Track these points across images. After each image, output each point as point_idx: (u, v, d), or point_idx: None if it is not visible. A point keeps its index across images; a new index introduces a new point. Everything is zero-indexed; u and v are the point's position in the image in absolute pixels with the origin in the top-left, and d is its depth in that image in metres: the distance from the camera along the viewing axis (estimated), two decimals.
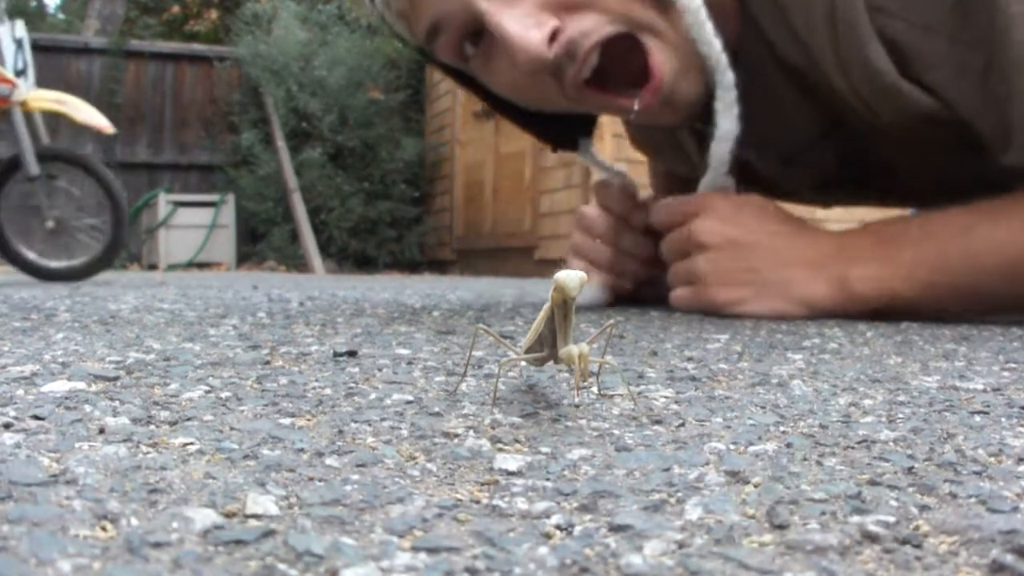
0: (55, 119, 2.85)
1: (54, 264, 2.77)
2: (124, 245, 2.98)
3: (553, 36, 0.94)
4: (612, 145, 3.44)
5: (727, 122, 1.03)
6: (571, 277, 0.39)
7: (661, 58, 0.98)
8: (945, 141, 0.99)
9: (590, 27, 0.96)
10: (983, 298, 0.98)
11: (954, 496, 0.30)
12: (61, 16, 10.22)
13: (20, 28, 2.63)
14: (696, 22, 0.98)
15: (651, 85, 0.98)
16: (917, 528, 0.26)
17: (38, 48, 4.44)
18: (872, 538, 0.25)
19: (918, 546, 0.25)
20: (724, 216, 1.06)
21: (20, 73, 2.58)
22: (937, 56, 0.91)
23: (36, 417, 0.40)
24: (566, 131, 1.23)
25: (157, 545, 0.23)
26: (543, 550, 0.24)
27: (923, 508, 0.28)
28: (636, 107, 1.00)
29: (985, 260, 0.95)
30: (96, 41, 6.58)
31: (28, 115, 2.63)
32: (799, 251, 1.04)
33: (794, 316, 1.04)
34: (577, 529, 0.26)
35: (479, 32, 0.98)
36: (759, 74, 1.06)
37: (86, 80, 6.24)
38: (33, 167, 2.59)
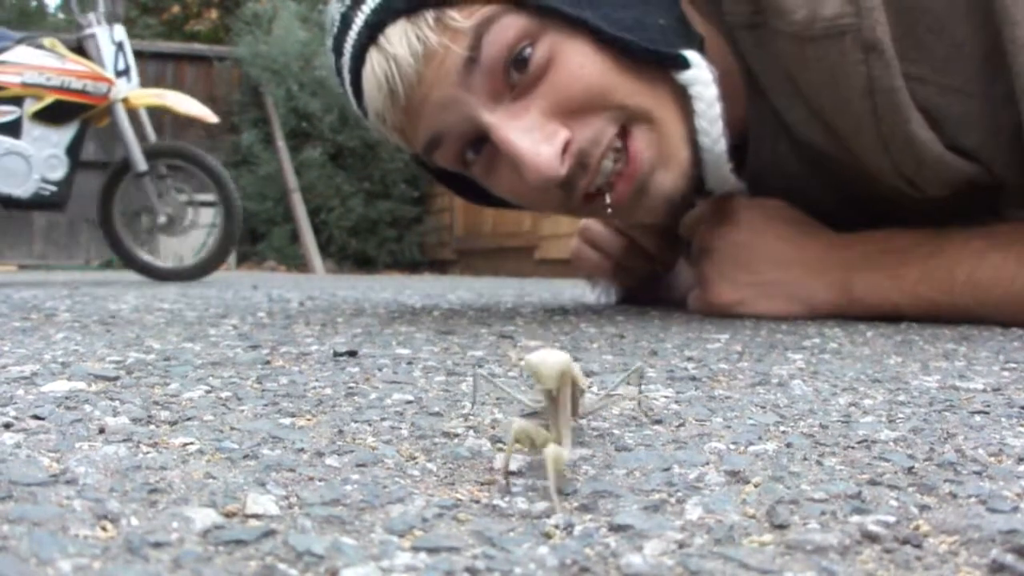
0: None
1: (167, 264, 2.79)
2: (237, 241, 3.00)
3: (564, 148, 0.89)
4: None
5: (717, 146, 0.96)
6: (547, 366, 0.31)
7: (641, 145, 0.92)
8: (975, 202, 0.97)
9: (598, 131, 0.91)
10: (985, 323, 0.97)
11: (954, 496, 0.30)
12: (61, 16, 10.23)
13: (120, 32, 2.65)
14: (708, 117, 0.93)
15: (627, 171, 0.92)
16: (917, 528, 0.26)
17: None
18: (872, 538, 0.25)
19: (918, 546, 0.25)
20: (731, 220, 1.06)
21: (122, 74, 2.59)
22: (971, 118, 0.88)
23: (36, 417, 0.40)
24: None
25: (157, 545, 0.23)
26: (543, 550, 0.24)
27: (923, 508, 0.28)
28: (608, 200, 0.94)
29: (990, 290, 0.94)
30: None
31: (133, 113, 2.65)
32: (804, 254, 1.04)
33: (795, 316, 1.04)
34: (577, 529, 0.26)
35: (482, 139, 0.93)
36: (770, 155, 1.03)
37: None
38: (140, 163, 2.61)
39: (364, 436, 0.38)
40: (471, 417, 0.43)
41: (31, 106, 2.40)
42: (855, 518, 0.27)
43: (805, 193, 1.06)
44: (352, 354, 0.66)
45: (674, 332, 0.88)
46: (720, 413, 0.45)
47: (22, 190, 2.41)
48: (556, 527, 0.26)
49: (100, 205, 2.74)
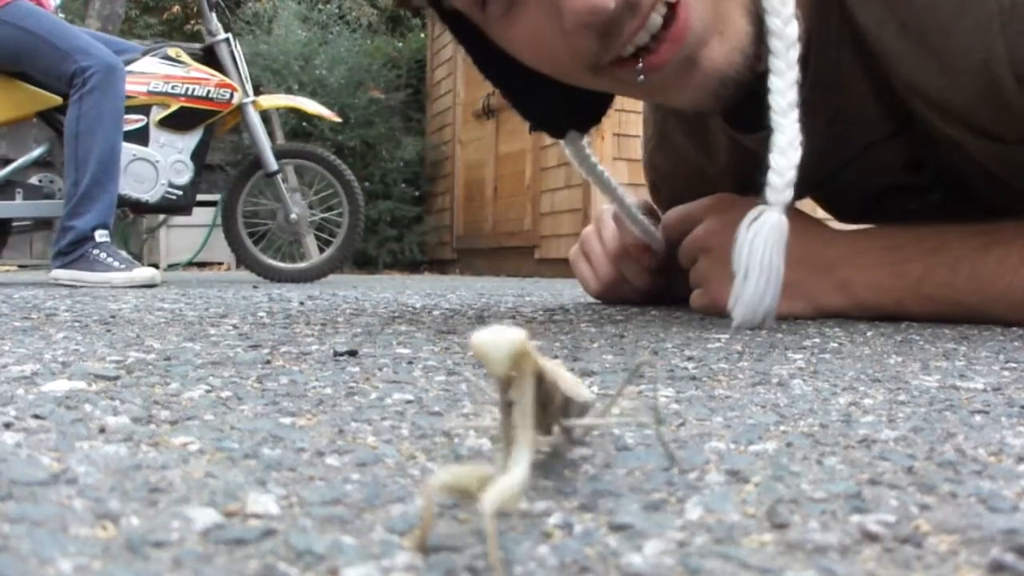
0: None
1: (289, 265, 2.83)
2: (359, 243, 3.05)
3: None
4: (612, 144, 3.44)
5: (788, 126, 0.84)
6: (495, 346, 0.24)
7: (694, 1, 0.78)
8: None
9: None
10: (989, 321, 0.97)
11: (954, 495, 0.30)
12: (62, 15, 10.23)
13: (235, 43, 2.70)
14: None
15: (672, 31, 0.78)
16: (917, 527, 0.26)
17: None
18: (872, 537, 0.25)
19: (918, 545, 0.25)
20: (727, 218, 1.03)
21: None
22: None
23: (37, 416, 0.40)
24: (564, 120, 1.11)
25: (158, 544, 0.23)
26: (543, 549, 0.24)
27: (923, 507, 0.28)
28: (641, 65, 0.80)
29: (993, 286, 0.92)
30: None
31: (262, 115, 2.70)
32: (805, 253, 1.01)
33: (799, 316, 1.03)
34: (577, 528, 0.26)
35: None
36: (834, 62, 0.94)
37: None
38: (271, 163, 2.66)
39: (364, 436, 0.38)
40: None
41: (157, 114, 2.46)
42: (855, 517, 0.27)
43: (858, 114, 0.99)
44: (352, 354, 0.66)
45: (674, 332, 0.88)
46: (720, 412, 0.45)
47: (150, 195, 2.48)
48: (556, 526, 0.26)
49: (224, 205, 2.78)
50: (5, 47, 2.13)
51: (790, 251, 1.01)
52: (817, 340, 0.81)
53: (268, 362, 0.62)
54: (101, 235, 2.12)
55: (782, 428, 0.41)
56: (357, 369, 0.59)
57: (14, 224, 2.45)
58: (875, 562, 0.24)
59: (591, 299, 1.43)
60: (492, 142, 4.95)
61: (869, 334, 0.87)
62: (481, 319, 1.02)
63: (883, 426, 0.41)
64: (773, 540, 0.25)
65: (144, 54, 2.52)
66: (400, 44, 6.71)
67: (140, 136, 2.46)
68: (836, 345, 0.77)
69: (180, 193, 2.54)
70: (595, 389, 0.52)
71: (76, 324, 0.91)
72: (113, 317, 1.01)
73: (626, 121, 3.47)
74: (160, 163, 2.48)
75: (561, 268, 3.58)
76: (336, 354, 0.66)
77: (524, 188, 4.47)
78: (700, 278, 1.09)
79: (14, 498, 0.27)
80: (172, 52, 2.54)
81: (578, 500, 0.29)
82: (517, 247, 4.62)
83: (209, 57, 2.64)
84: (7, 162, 2.46)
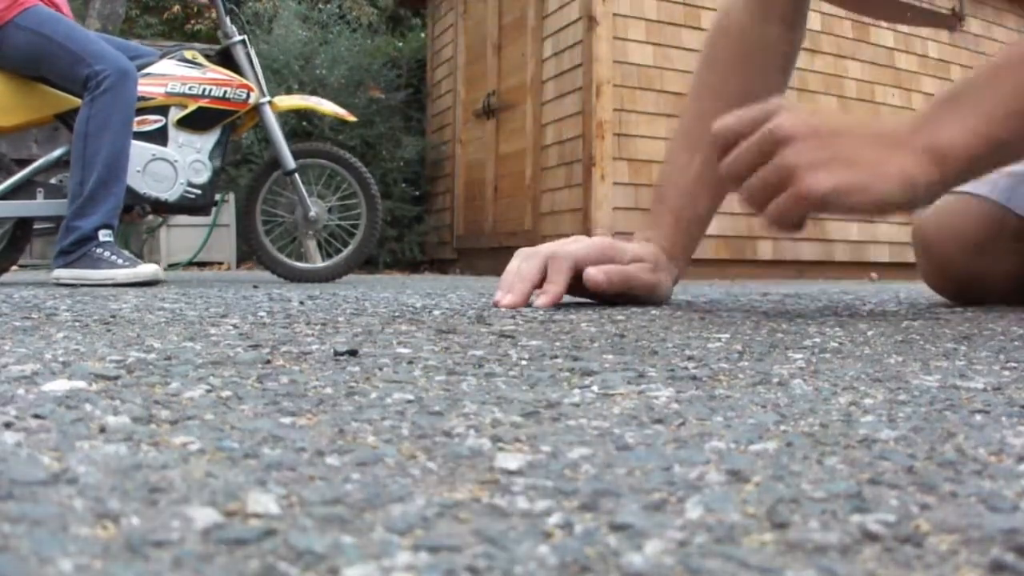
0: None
1: (306, 265, 2.86)
2: (376, 244, 3.08)
3: None
4: (612, 144, 3.44)
5: None
6: None
7: None
8: None
9: None
10: None
11: (955, 495, 0.30)
12: None
13: (249, 46, 2.73)
14: None
15: None
16: (918, 527, 0.26)
17: None
18: (873, 537, 0.25)
19: (919, 545, 0.25)
20: (801, 110, 1.00)
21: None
22: None
23: (37, 416, 0.40)
24: None
25: (158, 544, 0.23)
26: (544, 549, 0.24)
27: (924, 507, 0.28)
28: None
29: None
30: None
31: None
32: (883, 133, 0.98)
33: (898, 202, 0.96)
34: (578, 528, 0.26)
35: None
36: None
37: None
38: (290, 161, 2.70)
39: (365, 435, 0.38)
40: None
41: (176, 114, 2.50)
42: (855, 517, 0.27)
43: None
44: (353, 353, 0.66)
45: (675, 331, 0.88)
46: (720, 412, 0.45)
47: (169, 194, 2.52)
48: (557, 526, 0.26)
49: (243, 204, 2.81)
50: (24, 52, 2.16)
51: (867, 135, 0.97)
52: (817, 340, 0.81)
53: (268, 362, 0.62)
54: (105, 235, 2.14)
55: (782, 428, 0.41)
56: (357, 369, 0.59)
57: (35, 226, 2.48)
58: (875, 562, 0.24)
59: (591, 299, 1.43)
60: (492, 142, 4.95)
61: (869, 333, 0.87)
62: (481, 319, 1.02)
63: (883, 426, 0.41)
64: (773, 540, 0.25)
65: (161, 56, 2.56)
66: (400, 44, 6.71)
67: (159, 136, 2.50)
68: (836, 345, 0.77)
69: (199, 192, 2.58)
70: (595, 388, 0.52)
71: (76, 324, 0.91)
72: (113, 317, 1.01)
73: (626, 121, 3.46)
74: (179, 163, 2.52)
75: None
76: (336, 354, 0.66)
77: (524, 188, 4.47)
78: (781, 172, 0.97)
79: (14, 498, 0.27)
80: (189, 54, 2.58)
81: (578, 500, 0.29)
82: (517, 247, 4.62)
83: (224, 59, 2.67)
84: (25, 163, 2.48)
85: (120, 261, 2.11)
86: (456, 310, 1.21)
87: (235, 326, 0.90)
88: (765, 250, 3.72)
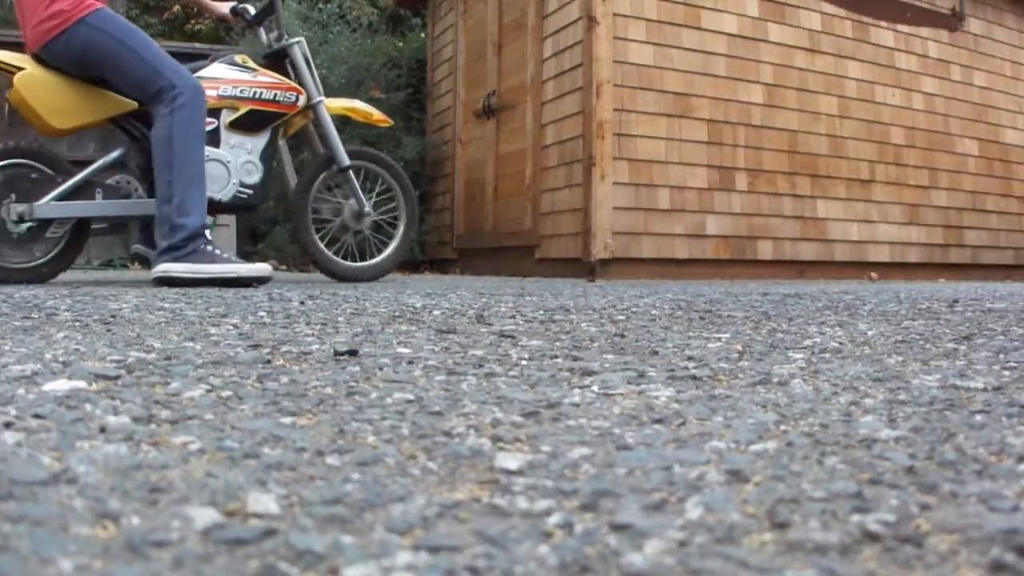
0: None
1: (356, 264, 2.89)
2: (414, 245, 3.13)
3: None
4: (612, 144, 3.44)
5: None
6: None
7: None
8: None
9: None
10: None
11: (955, 495, 0.30)
12: None
13: (304, 46, 2.76)
14: None
15: None
16: (918, 527, 0.26)
17: None
18: (873, 537, 0.25)
19: (919, 545, 0.25)
20: None
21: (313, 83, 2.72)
22: None
23: (37, 416, 0.40)
24: None
25: (158, 544, 0.23)
26: (544, 549, 0.24)
27: (924, 507, 0.28)
28: None
29: None
30: None
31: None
32: None
33: None
34: (578, 528, 0.26)
35: None
36: None
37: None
38: (344, 158, 2.74)
39: (365, 435, 0.38)
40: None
41: (227, 117, 2.54)
42: (856, 517, 0.27)
43: None
44: (353, 353, 0.66)
45: (675, 331, 0.88)
46: (721, 412, 0.45)
47: (223, 194, 2.56)
48: (557, 526, 0.26)
49: (295, 202, 2.84)
50: (91, 50, 2.18)
51: None
52: (817, 339, 0.81)
53: (268, 362, 0.62)
54: (209, 233, 2.21)
55: (782, 428, 0.41)
56: (357, 368, 0.59)
57: (93, 227, 2.51)
58: (875, 562, 0.24)
59: (591, 299, 1.43)
60: (492, 142, 4.95)
61: (869, 333, 0.87)
62: (481, 319, 1.02)
63: (883, 426, 0.41)
64: (773, 540, 0.25)
65: (211, 60, 2.61)
66: (400, 44, 6.71)
67: (212, 138, 2.55)
68: (836, 344, 0.77)
69: (251, 192, 2.63)
70: (595, 388, 0.52)
71: (77, 323, 0.91)
72: (114, 317, 1.01)
73: (627, 121, 3.46)
74: (231, 163, 2.57)
75: (561, 268, 3.58)
76: (336, 353, 0.66)
77: (524, 188, 4.47)
78: None
79: (15, 497, 0.27)
80: (239, 58, 2.63)
81: (579, 500, 0.29)
82: (517, 247, 4.63)
83: (272, 62, 2.71)
84: (81, 164, 2.50)
85: (232, 258, 2.16)
86: (456, 310, 1.21)
87: (235, 326, 0.90)
88: (765, 250, 3.72)
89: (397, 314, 1.10)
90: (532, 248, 4.28)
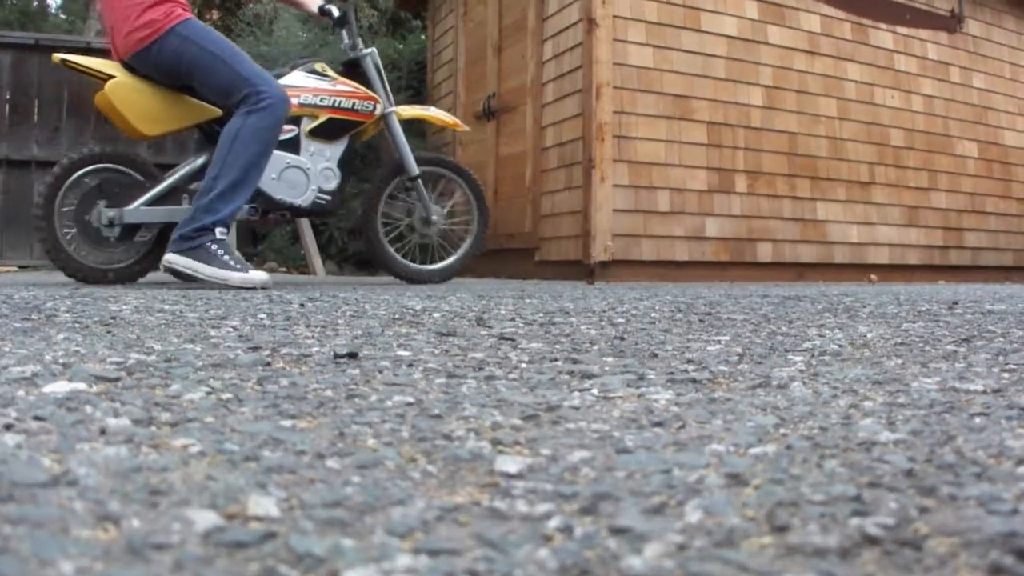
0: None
1: (421, 266, 2.91)
2: (483, 249, 3.17)
3: None
4: (612, 146, 3.44)
5: None
6: None
7: None
8: None
9: None
10: None
11: (954, 498, 0.30)
12: (63, 16, 10.23)
13: (377, 57, 2.80)
14: None
15: None
16: (917, 530, 0.26)
17: (40, 48, 4.47)
18: (872, 540, 0.25)
19: (918, 548, 0.25)
20: None
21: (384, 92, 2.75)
22: None
23: (37, 418, 0.40)
24: None
25: (158, 547, 0.23)
26: (543, 552, 0.24)
27: (923, 510, 0.28)
28: None
29: None
30: (98, 41, 6.58)
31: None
32: None
33: None
34: (577, 531, 0.26)
35: None
36: None
37: (87, 80, 6.21)
38: (413, 167, 2.78)
39: (365, 438, 0.38)
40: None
41: (307, 124, 2.58)
42: (855, 520, 0.27)
43: None
44: (353, 356, 0.66)
45: (674, 334, 0.88)
46: (720, 415, 0.45)
47: (302, 200, 2.60)
48: (557, 529, 0.26)
49: (365, 209, 2.86)
50: (182, 60, 2.19)
51: None
52: (817, 342, 0.81)
53: (268, 364, 0.62)
54: (220, 232, 2.20)
55: (782, 431, 0.41)
56: (357, 371, 0.59)
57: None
58: (875, 565, 0.24)
59: (591, 302, 1.43)
60: (493, 144, 4.95)
61: (869, 336, 0.87)
62: (481, 321, 1.02)
63: (883, 428, 0.41)
64: (773, 543, 0.25)
65: (292, 68, 2.65)
66: (401, 46, 6.71)
67: (292, 145, 2.59)
68: (836, 347, 0.77)
69: (329, 198, 2.66)
70: (595, 391, 0.52)
71: (77, 325, 0.91)
72: (114, 318, 1.01)
73: (626, 123, 3.46)
74: (311, 170, 2.60)
75: (561, 270, 3.57)
76: (336, 356, 0.66)
77: (524, 190, 4.48)
78: None
79: (15, 500, 0.27)
80: (318, 67, 2.67)
81: (578, 503, 0.29)
82: (517, 249, 4.63)
83: (349, 71, 2.74)
84: (165, 167, 2.52)
85: (233, 263, 2.15)
86: (456, 312, 1.21)
87: (235, 328, 0.90)
88: (765, 252, 3.72)
89: (397, 316, 1.10)
90: (532, 250, 4.28)
